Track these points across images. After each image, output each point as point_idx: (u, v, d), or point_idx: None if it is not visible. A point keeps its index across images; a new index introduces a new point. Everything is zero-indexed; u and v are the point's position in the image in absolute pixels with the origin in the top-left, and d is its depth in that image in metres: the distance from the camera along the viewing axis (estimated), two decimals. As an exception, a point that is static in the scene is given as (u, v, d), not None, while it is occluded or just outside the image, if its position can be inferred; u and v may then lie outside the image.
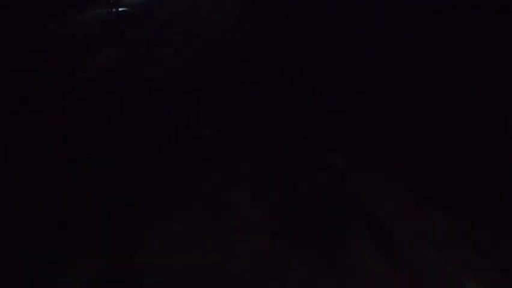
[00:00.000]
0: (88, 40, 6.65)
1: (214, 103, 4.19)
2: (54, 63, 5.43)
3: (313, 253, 2.08)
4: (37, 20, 6.12)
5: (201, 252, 2.13)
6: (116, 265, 2.09)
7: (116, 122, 3.85)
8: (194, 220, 2.39)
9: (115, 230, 2.34)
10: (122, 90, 4.74)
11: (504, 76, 2.27)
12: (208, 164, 3.00)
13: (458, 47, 2.73)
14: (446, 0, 2.81)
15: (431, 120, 2.95)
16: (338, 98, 3.94)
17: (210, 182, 2.76)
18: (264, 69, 5.18)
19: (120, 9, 8.33)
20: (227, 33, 7.19)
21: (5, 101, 4.25)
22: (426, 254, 2.00)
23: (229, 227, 2.31)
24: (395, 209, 2.35)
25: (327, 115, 3.70)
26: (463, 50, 2.68)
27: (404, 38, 3.25)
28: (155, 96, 4.50)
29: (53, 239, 2.25)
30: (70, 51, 6.12)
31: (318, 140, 3.29)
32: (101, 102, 4.40)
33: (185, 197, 2.60)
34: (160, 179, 2.84)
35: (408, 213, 2.31)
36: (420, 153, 2.81)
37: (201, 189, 2.68)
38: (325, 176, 2.77)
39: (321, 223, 2.30)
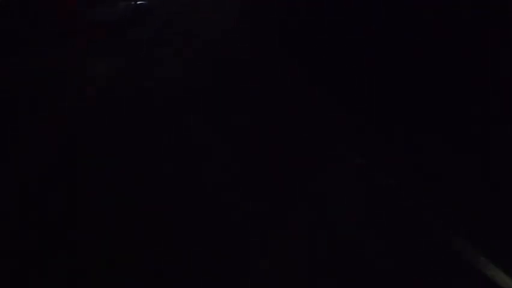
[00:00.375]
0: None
1: (214, 103, 4.19)
2: (55, 63, 5.43)
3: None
4: (37, 20, 6.13)
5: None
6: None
7: (116, 121, 3.85)
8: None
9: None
10: (122, 88, 4.74)
11: (504, 76, 2.27)
12: (208, 164, 3.01)
13: (458, 46, 2.73)
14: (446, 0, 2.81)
15: (430, 120, 2.95)
16: (337, 98, 3.94)
17: (210, 182, 2.76)
18: (264, 69, 5.17)
19: (138, 2, 8.59)
20: (227, 33, 7.19)
21: (5, 101, 4.25)
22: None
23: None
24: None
25: (326, 115, 3.70)
26: (463, 49, 2.68)
27: (404, 38, 3.25)
28: (154, 95, 4.50)
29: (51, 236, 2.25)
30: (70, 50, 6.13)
31: (317, 140, 3.29)
32: (101, 100, 4.40)
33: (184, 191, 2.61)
34: (160, 179, 2.84)
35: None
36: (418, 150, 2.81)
37: (199, 188, 2.68)
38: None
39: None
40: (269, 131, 3.49)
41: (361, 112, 3.55)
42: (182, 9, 10.15)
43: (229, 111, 3.97)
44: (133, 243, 2.21)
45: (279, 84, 4.60)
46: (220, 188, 2.69)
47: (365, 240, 2.12)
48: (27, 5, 5.88)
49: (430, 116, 2.94)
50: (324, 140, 3.27)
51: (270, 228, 2.27)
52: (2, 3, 5.33)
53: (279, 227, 2.28)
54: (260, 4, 7.66)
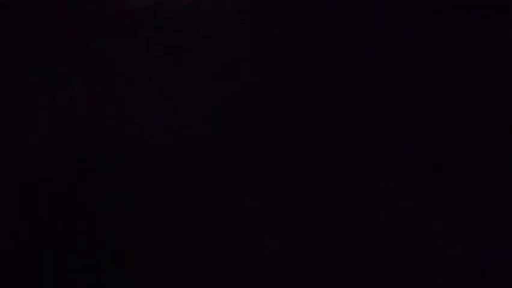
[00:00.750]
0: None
1: (213, 102, 4.19)
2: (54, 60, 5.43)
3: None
4: (38, 19, 6.13)
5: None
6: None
7: (114, 120, 3.85)
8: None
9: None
10: (122, 89, 4.73)
11: (504, 76, 2.27)
12: (206, 163, 3.01)
13: (459, 46, 2.73)
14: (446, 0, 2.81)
15: (430, 121, 2.95)
16: (337, 97, 3.94)
17: (209, 179, 2.76)
18: (264, 66, 5.17)
19: None
20: (227, 29, 7.18)
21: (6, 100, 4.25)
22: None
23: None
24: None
25: (327, 115, 3.70)
26: (463, 50, 2.68)
27: (404, 39, 3.25)
28: (152, 95, 4.49)
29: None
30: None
31: (317, 140, 3.29)
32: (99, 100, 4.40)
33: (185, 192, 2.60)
34: (160, 179, 2.84)
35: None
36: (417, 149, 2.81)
37: (199, 188, 2.68)
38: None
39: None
40: (269, 129, 3.49)
41: (361, 112, 3.55)
42: (181, 7, 10.16)
43: (228, 110, 3.97)
44: (133, 243, 2.21)
45: (278, 83, 4.60)
46: (220, 185, 2.69)
47: (363, 239, 2.12)
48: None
49: (431, 116, 2.95)
50: (324, 140, 3.27)
51: (271, 228, 2.27)
52: (2, 3, 5.33)
53: (280, 230, 2.28)
54: (260, 4, 7.66)
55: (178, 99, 4.37)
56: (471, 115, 2.52)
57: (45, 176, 2.88)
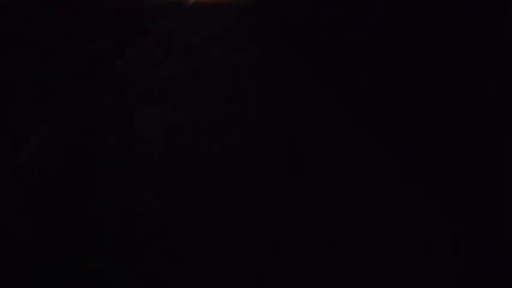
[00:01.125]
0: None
1: (213, 102, 4.19)
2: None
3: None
4: (37, 19, 6.14)
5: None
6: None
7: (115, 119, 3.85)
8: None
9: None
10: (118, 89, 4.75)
11: (504, 76, 2.26)
12: (206, 162, 3.01)
13: (458, 44, 2.72)
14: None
15: (430, 118, 2.94)
16: (338, 94, 3.93)
17: (207, 179, 2.76)
18: (264, 65, 5.17)
19: None
20: (227, 30, 7.18)
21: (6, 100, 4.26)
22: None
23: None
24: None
25: (327, 111, 3.70)
26: (463, 47, 2.66)
27: (404, 35, 3.23)
28: (152, 95, 4.50)
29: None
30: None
31: (316, 138, 3.28)
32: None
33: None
34: (160, 180, 2.84)
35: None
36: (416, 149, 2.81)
37: (199, 189, 2.68)
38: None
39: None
40: (269, 127, 3.48)
41: (361, 108, 3.54)
42: (181, 8, 10.14)
43: (228, 108, 3.97)
44: (133, 243, 2.21)
45: (279, 81, 4.59)
46: (219, 183, 2.68)
47: (362, 237, 2.12)
48: None
49: (431, 113, 2.94)
50: (324, 136, 3.27)
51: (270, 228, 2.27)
52: (2, 3, 5.34)
53: (280, 227, 2.27)
54: (260, 1, 7.64)
55: (178, 100, 4.37)
56: (471, 113, 2.51)
57: (45, 176, 2.89)
